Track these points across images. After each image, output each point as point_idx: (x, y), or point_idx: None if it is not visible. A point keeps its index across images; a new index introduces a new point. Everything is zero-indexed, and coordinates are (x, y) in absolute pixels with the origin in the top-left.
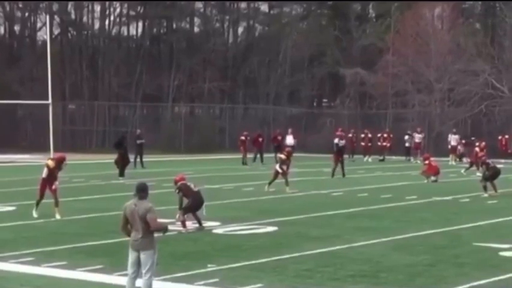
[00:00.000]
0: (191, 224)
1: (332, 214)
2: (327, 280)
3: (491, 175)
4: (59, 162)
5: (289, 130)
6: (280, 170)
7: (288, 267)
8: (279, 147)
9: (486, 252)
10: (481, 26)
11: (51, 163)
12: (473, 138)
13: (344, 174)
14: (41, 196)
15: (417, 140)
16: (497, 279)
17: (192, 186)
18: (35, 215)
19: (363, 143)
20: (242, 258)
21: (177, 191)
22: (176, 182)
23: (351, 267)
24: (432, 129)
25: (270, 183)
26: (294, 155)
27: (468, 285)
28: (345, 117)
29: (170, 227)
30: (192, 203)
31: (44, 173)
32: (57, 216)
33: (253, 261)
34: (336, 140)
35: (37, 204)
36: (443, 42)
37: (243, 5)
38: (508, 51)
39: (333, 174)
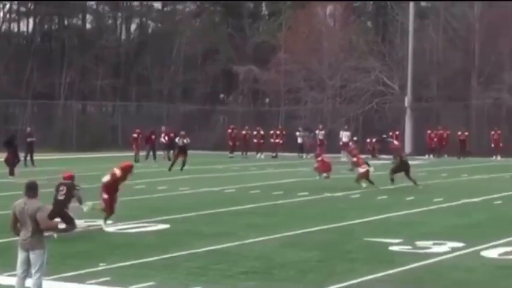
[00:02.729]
0: (83, 223)
1: (224, 211)
2: (220, 277)
3: (400, 168)
4: (127, 172)
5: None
6: None
7: (180, 265)
8: (172, 145)
9: (376, 248)
10: (372, 24)
11: (118, 172)
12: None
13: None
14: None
15: (320, 137)
16: (387, 273)
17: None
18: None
19: (255, 140)
20: (134, 257)
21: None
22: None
23: (244, 264)
24: (324, 126)
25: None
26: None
27: (359, 280)
28: (238, 114)
29: (60, 226)
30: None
31: (105, 178)
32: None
33: (145, 260)
34: (177, 139)
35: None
36: (335, 40)
37: (136, 2)
38: (399, 49)
39: (170, 168)
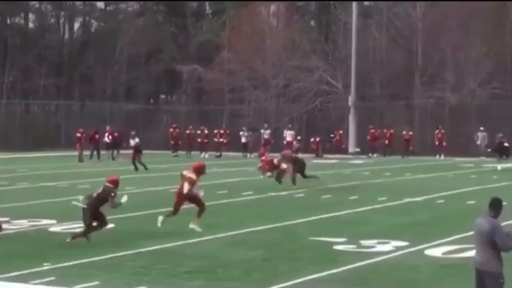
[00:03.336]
0: (26, 222)
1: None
2: (164, 277)
3: (299, 168)
4: (200, 173)
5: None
6: None
7: (124, 265)
8: (115, 144)
9: (321, 247)
10: (315, 24)
11: (193, 175)
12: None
13: (136, 168)
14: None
15: (266, 137)
16: (332, 272)
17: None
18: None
19: (199, 139)
20: (78, 256)
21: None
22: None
23: (188, 263)
24: (269, 125)
25: None
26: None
27: (303, 279)
28: (182, 113)
29: (5, 226)
30: None
31: (186, 188)
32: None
33: (90, 259)
34: (130, 140)
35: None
36: (278, 39)
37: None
38: (342, 48)
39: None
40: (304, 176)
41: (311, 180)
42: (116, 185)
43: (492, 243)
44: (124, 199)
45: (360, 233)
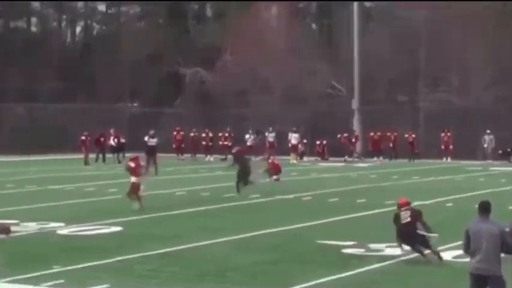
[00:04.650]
0: (35, 225)
1: (176, 214)
2: (173, 280)
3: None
4: None
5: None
6: None
7: (133, 268)
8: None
9: (329, 250)
10: (317, 26)
11: None
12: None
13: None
14: None
15: (271, 140)
16: (341, 276)
17: None
18: None
19: (204, 143)
20: (87, 259)
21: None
22: (401, 206)
23: (196, 266)
24: (274, 128)
25: None
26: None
27: (312, 283)
28: (186, 116)
29: (13, 228)
30: None
31: None
32: None
33: (99, 262)
34: (146, 138)
35: None
36: (281, 42)
37: (80, 4)
38: (346, 51)
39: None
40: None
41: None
42: (410, 205)
43: (500, 245)
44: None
45: (369, 236)
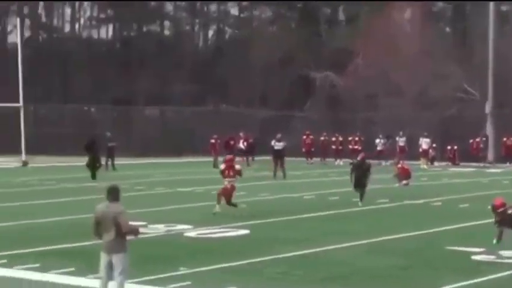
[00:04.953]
0: (163, 227)
1: (304, 217)
2: (300, 283)
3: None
4: None
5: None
6: None
7: (261, 270)
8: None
9: (458, 256)
10: (450, 29)
11: None
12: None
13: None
14: None
15: (401, 144)
16: (470, 282)
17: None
18: None
19: (334, 147)
20: (214, 261)
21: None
22: (497, 208)
23: (324, 269)
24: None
25: None
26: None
27: None
28: (315, 120)
29: (142, 230)
30: None
31: None
32: None
33: (226, 264)
34: (272, 143)
35: None
36: (413, 46)
37: (213, 8)
38: (479, 54)
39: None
40: None
41: None
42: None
43: None
44: None
45: (500, 243)
